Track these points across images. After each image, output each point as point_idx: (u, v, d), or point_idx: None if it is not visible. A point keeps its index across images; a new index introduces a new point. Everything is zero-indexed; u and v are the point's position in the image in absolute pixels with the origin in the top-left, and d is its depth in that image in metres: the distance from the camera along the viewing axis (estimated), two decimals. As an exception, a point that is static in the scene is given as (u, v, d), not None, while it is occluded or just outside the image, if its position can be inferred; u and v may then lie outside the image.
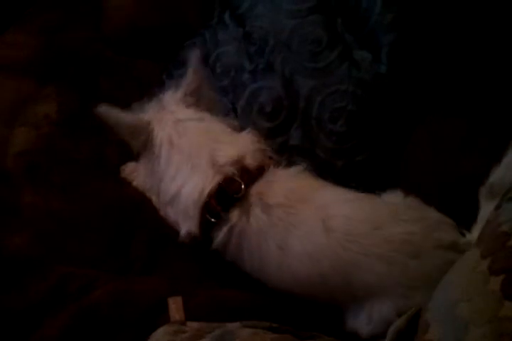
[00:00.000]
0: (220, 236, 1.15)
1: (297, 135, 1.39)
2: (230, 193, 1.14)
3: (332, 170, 1.37)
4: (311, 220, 1.10)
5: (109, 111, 1.21)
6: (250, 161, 1.18)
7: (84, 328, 1.03)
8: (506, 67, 1.30)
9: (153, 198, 1.31)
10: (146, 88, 1.58)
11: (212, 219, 1.15)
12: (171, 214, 1.22)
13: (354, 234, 1.06)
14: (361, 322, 1.08)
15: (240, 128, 1.30)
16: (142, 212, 1.27)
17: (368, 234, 1.06)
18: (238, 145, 1.21)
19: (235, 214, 1.14)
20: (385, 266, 1.04)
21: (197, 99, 1.28)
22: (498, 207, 0.91)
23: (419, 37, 1.32)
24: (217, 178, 1.15)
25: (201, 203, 1.15)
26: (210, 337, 0.88)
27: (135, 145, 1.27)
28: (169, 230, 1.24)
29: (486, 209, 1.08)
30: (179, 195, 1.18)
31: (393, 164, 1.38)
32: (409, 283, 1.04)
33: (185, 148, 1.20)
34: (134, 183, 1.34)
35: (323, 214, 1.09)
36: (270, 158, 1.22)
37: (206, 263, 1.21)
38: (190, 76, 1.28)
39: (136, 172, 1.35)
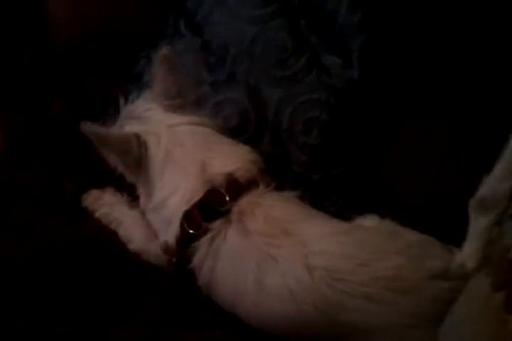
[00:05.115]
0: (200, 250, 1.07)
1: (268, 149, 1.30)
2: (212, 205, 1.07)
3: (308, 185, 1.29)
4: (293, 256, 1.01)
5: (95, 130, 1.09)
6: (242, 173, 1.10)
7: None
8: (479, 67, 1.25)
9: (121, 231, 1.20)
10: (101, 107, 1.46)
11: (191, 231, 1.07)
12: (155, 221, 1.15)
13: (339, 272, 0.98)
14: None
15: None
16: (107, 250, 1.16)
17: (353, 271, 0.98)
18: (232, 155, 1.14)
19: (215, 227, 1.06)
20: (374, 306, 0.97)
21: (179, 101, 1.16)
22: (499, 224, 0.84)
23: (389, 38, 1.25)
24: (204, 189, 1.08)
25: (183, 212, 1.08)
26: None
27: (126, 164, 1.14)
28: (140, 267, 1.14)
29: (477, 223, 1.01)
30: (165, 203, 1.11)
31: (373, 174, 1.30)
32: (405, 321, 0.96)
33: (179, 156, 1.12)
34: (97, 214, 1.23)
35: (306, 250, 1.01)
36: (262, 172, 1.14)
37: (185, 301, 1.11)
38: (163, 78, 1.16)
39: (100, 200, 1.24)
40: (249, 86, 1.29)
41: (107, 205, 1.24)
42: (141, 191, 1.16)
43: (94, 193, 1.26)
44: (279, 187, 1.14)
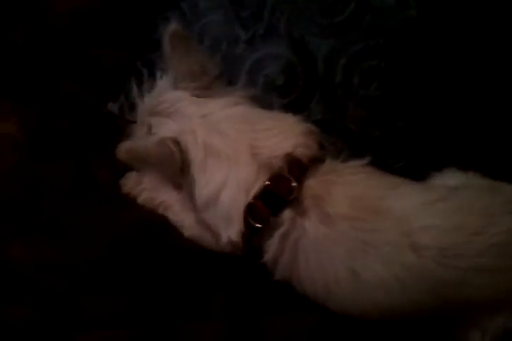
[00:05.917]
0: (272, 246, 0.94)
1: (320, 108, 1.17)
2: (279, 194, 0.93)
3: (369, 143, 1.17)
4: (392, 237, 0.89)
5: (131, 149, 0.93)
6: (302, 151, 0.95)
7: None
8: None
9: (170, 216, 1.07)
10: (117, 83, 1.32)
11: (258, 225, 0.94)
12: (210, 219, 0.99)
13: (452, 247, 0.87)
14: (473, 337, 0.92)
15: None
16: (158, 239, 1.03)
17: (467, 242, 0.87)
18: (283, 130, 0.98)
19: (287, 219, 0.92)
20: (496, 277, 0.87)
21: (205, 81, 1.01)
22: None
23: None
24: (263, 175, 0.94)
25: (244, 206, 0.94)
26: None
27: (170, 175, 1.00)
28: (201, 255, 1.02)
29: None
30: (217, 198, 0.95)
31: (437, 126, 1.17)
32: None
33: (220, 146, 0.96)
34: (140, 200, 1.10)
35: (406, 228, 0.89)
36: (321, 145, 1.00)
37: (255, 288, 1.00)
38: (182, 60, 1.00)
39: (141, 185, 1.11)
40: (293, 38, 1.16)
41: (148, 189, 1.10)
42: (185, 192, 1.02)
43: (132, 177, 1.12)
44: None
